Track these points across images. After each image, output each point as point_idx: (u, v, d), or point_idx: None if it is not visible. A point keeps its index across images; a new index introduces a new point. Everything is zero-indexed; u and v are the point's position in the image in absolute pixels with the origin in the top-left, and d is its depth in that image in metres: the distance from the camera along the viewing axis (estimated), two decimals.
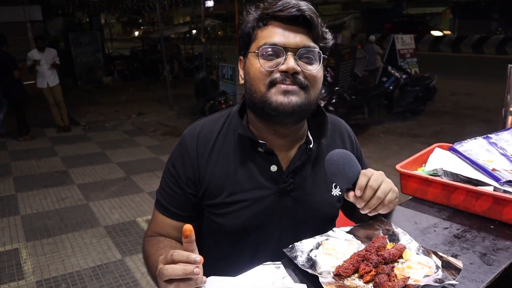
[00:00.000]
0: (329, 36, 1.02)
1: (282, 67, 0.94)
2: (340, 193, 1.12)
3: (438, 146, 1.44)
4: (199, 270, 0.78)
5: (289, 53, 0.95)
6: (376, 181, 0.93)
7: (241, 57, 1.06)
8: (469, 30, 20.84)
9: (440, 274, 0.84)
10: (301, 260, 0.93)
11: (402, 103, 7.49)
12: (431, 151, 1.43)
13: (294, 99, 0.95)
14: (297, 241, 1.00)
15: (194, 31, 14.88)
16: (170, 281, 0.79)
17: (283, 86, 0.95)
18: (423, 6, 23.98)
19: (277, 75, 0.95)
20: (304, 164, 1.06)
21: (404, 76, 7.70)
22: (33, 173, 5.36)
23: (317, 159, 1.10)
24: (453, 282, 0.82)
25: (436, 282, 0.82)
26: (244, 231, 1.06)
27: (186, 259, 0.78)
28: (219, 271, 0.99)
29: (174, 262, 0.79)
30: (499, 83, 2.21)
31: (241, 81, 1.06)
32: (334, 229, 1.03)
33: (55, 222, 3.92)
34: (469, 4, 22.01)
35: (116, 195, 4.57)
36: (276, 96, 0.95)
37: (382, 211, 0.97)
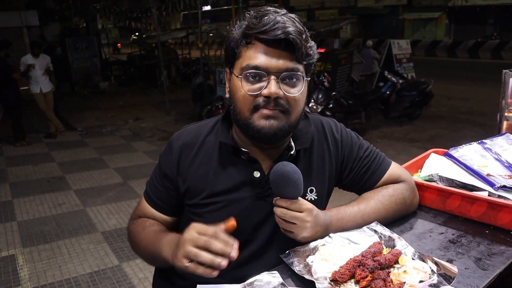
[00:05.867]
0: (314, 50, 1.02)
1: (265, 92, 0.96)
2: (316, 197, 1.12)
3: (434, 152, 1.46)
4: (225, 264, 0.82)
5: (271, 77, 0.96)
6: (286, 215, 0.97)
7: (227, 69, 1.07)
8: (465, 35, 21.01)
9: (435, 279, 0.85)
10: (297, 266, 0.94)
11: (398, 107, 7.52)
12: (427, 156, 1.44)
13: (275, 123, 0.99)
14: (271, 245, 1.05)
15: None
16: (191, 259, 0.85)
17: (265, 111, 0.98)
18: (419, 11, 24.11)
19: (260, 100, 0.97)
20: None
21: (400, 81, 7.74)
22: (29, 178, 5.34)
23: (296, 165, 1.10)
24: (448, 287, 0.82)
25: (431, 287, 0.83)
26: None
27: (222, 252, 0.83)
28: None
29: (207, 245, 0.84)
30: (495, 88, 2.22)
31: (228, 95, 1.07)
32: (330, 234, 1.03)
33: (51, 228, 3.90)
34: (465, 9, 22.17)
35: (113, 200, 4.55)
36: (259, 121, 0.99)
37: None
